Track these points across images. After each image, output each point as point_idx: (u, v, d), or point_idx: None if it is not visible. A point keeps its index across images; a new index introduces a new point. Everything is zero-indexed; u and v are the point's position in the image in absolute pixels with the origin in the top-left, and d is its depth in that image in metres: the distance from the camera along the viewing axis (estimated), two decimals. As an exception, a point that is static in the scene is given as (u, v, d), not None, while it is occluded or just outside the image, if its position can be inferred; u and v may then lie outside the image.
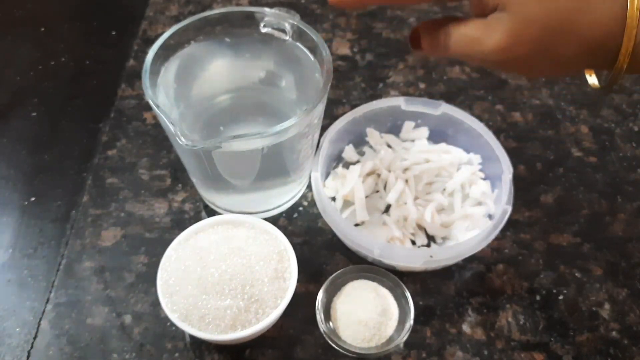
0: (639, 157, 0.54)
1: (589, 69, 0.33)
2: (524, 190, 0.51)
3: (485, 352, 0.43)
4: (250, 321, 0.39)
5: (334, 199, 0.50)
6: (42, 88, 0.61)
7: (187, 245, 0.42)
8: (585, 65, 0.32)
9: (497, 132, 0.50)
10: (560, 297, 0.46)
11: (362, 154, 0.53)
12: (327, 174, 0.52)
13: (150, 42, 0.57)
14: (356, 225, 0.49)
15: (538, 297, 0.46)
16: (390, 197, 0.48)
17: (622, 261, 0.48)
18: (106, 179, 0.53)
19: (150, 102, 0.39)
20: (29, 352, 0.43)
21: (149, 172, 0.53)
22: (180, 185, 0.52)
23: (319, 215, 0.48)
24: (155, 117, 0.57)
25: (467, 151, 0.52)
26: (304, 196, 0.52)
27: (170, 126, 0.37)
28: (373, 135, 0.53)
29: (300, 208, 0.51)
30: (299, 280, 0.41)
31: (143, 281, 0.46)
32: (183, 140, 0.36)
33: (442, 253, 0.43)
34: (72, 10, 0.70)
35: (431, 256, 0.42)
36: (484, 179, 0.50)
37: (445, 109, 0.50)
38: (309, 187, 0.50)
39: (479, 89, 0.60)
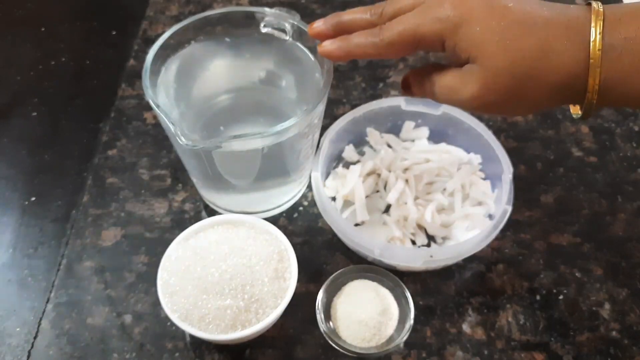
0: (639, 157, 0.54)
1: (563, 105, 0.34)
2: (524, 190, 0.51)
3: (486, 352, 0.43)
4: (250, 321, 0.39)
5: (334, 198, 0.50)
6: (42, 88, 0.61)
7: (187, 245, 0.42)
8: (557, 104, 0.33)
9: (497, 132, 0.50)
10: (561, 297, 0.46)
11: (362, 153, 0.53)
12: (328, 174, 0.52)
13: (150, 42, 0.57)
14: (356, 225, 0.49)
15: (538, 297, 0.46)
16: (391, 197, 0.48)
17: (622, 261, 0.48)
18: (106, 179, 0.53)
19: (151, 102, 0.39)
20: (29, 352, 0.43)
21: (149, 172, 0.53)
22: (180, 185, 0.52)
23: (319, 215, 0.48)
24: (155, 117, 0.57)
25: (467, 151, 0.52)
26: (304, 196, 0.52)
27: (171, 126, 0.37)
28: (373, 135, 0.53)
29: (301, 208, 0.51)
30: (299, 280, 0.41)
31: (143, 281, 0.46)
32: (183, 140, 0.36)
33: (442, 253, 0.43)
34: (72, 10, 0.70)
35: (431, 256, 0.42)
36: (484, 179, 0.50)
37: (445, 108, 0.50)
38: (309, 187, 0.50)
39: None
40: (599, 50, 0.30)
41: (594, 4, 0.31)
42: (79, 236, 0.49)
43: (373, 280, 0.45)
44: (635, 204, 0.51)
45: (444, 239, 0.48)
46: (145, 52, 0.42)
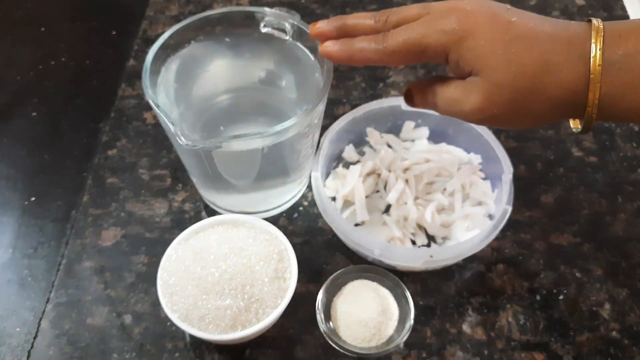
0: (639, 157, 0.54)
1: (563, 119, 0.35)
2: (524, 190, 0.51)
3: (486, 352, 0.43)
4: (250, 321, 0.39)
5: (334, 199, 0.50)
6: (42, 88, 0.61)
7: (187, 245, 0.42)
8: (557, 118, 0.34)
9: (497, 132, 0.50)
10: (561, 297, 0.46)
11: (362, 153, 0.53)
12: (328, 174, 0.52)
13: (150, 42, 0.57)
14: (356, 225, 0.49)
15: (538, 297, 0.46)
16: (391, 197, 0.48)
17: (622, 261, 0.48)
18: (106, 179, 0.53)
19: (151, 102, 0.39)
20: (29, 352, 0.43)
21: (149, 172, 0.53)
22: (180, 185, 0.52)
23: (319, 215, 0.48)
24: (155, 117, 0.57)
25: (467, 151, 0.52)
26: (304, 196, 0.52)
27: (171, 126, 0.37)
28: (373, 135, 0.53)
29: (301, 208, 0.51)
30: (299, 280, 0.41)
31: (143, 281, 0.46)
32: (183, 140, 0.36)
33: (442, 253, 0.43)
34: (72, 10, 0.70)
35: (431, 256, 0.42)
36: (484, 179, 0.50)
37: (445, 109, 0.50)
38: (309, 187, 0.50)
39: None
40: (599, 65, 0.30)
41: (594, 21, 0.31)
42: (79, 236, 0.49)
43: (373, 280, 0.45)
44: (635, 204, 0.51)
45: (444, 239, 0.48)
46: (145, 52, 0.42)
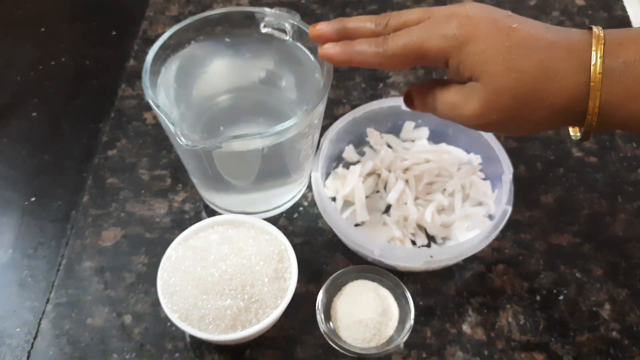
0: (639, 157, 0.54)
1: (562, 126, 0.35)
2: (524, 190, 0.51)
3: (486, 352, 0.43)
4: (250, 321, 0.39)
5: (334, 199, 0.50)
6: (42, 88, 0.61)
7: (187, 246, 0.42)
8: (557, 125, 0.34)
9: (497, 132, 0.50)
10: (561, 297, 0.46)
11: (362, 154, 0.53)
12: (328, 174, 0.52)
13: (150, 42, 0.57)
14: (356, 225, 0.49)
15: (538, 297, 0.46)
16: (391, 197, 0.48)
17: (622, 261, 0.48)
18: (106, 179, 0.53)
19: (151, 102, 0.39)
20: (29, 352, 0.43)
21: (149, 172, 0.53)
22: (180, 185, 0.52)
23: (319, 215, 0.48)
24: (155, 117, 0.57)
25: (467, 151, 0.52)
26: (304, 196, 0.52)
27: (171, 126, 0.37)
28: (373, 135, 0.53)
29: (301, 208, 0.51)
30: (299, 280, 0.41)
31: (143, 281, 0.46)
32: (183, 140, 0.36)
33: (442, 253, 0.43)
34: (72, 10, 0.70)
35: (431, 256, 0.42)
36: (484, 179, 0.50)
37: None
38: (309, 187, 0.50)
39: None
40: (599, 73, 0.30)
41: (595, 29, 0.31)
42: (79, 236, 0.49)
43: (373, 280, 0.45)
44: (635, 204, 0.51)
45: (444, 239, 0.48)
46: (145, 52, 0.42)
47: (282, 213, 0.50)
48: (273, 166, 0.45)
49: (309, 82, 0.45)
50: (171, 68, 0.45)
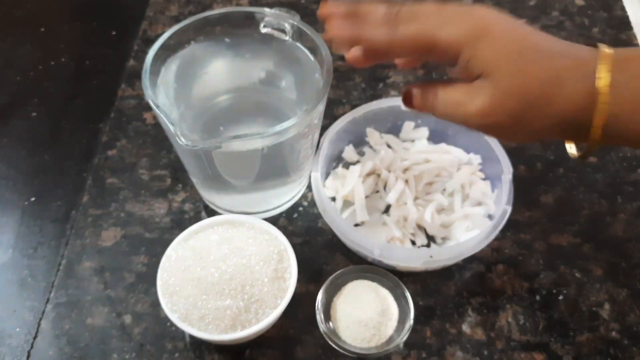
0: (639, 157, 0.54)
1: (565, 139, 0.34)
2: (524, 190, 0.51)
3: (486, 352, 0.43)
4: (250, 321, 0.39)
5: (334, 199, 0.50)
6: (42, 88, 0.61)
7: (187, 246, 0.42)
8: (559, 136, 0.33)
9: (497, 132, 0.50)
10: (561, 297, 0.46)
11: (362, 154, 0.53)
12: (327, 174, 0.52)
13: (150, 42, 0.57)
14: (356, 225, 0.49)
15: (538, 297, 0.46)
16: (390, 197, 0.48)
17: (622, 261, 0.48)
18: (106, 179, 0.53)
19: (150, 102, 0.39)
20: (29, 352, 0.43)
21: (149, 172, 0.53)
22: (180, 185, 0.52)
23: (319, 216, 0.48)
24: (155, 117, 0.57)
25: (467, 151, 0.52)
26: (304, 196, 0.52)
27: (170, 126, 0.37)
28: (373, 135, 0.53)
29: (300, 208, 0.51)
30: (299, 280, 0.41)
31: (143, 281, 0.46)
32: (183, 140, 0.36)
33: (442, 253, 0.43)
34: (72, 10, 0.70)
35: (431, 256, 0.42)
36: (484, 179, 0.50)
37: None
38: (309, 187, 0.50)
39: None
40: (607, 86, 0.30)
41: (602, 46, 0.31)
42: (79, 236, 0.49)
43: (373, 280, 0.45)
44: (635, 204, 0.51)
45: (444, 239, 0.48)
46: (145, 52, 0.42)
47: (282, 213, 0.50)
48: (273, 166, 0.45)
49: (309, 82, 0.45)
50: (171, 68, 0.45)
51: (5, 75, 0.62)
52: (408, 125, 0.53)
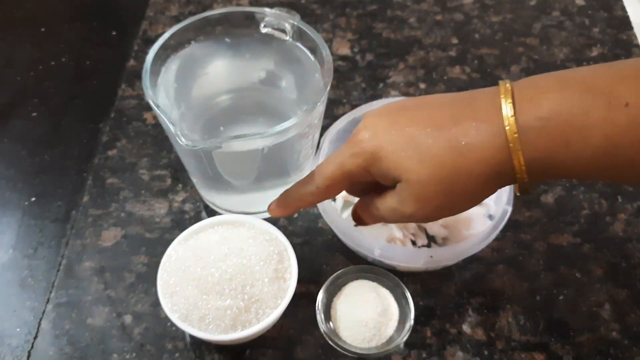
0: (639, 157, 0.54)
1: (504, 186, 0.34)
2: (524, 190, 0.51)
3: (486, 353, 0.43)
4: (250, 321, 0.39)
5: (334, 199, 0.50)
6: (42, 88, 0.61)
7: (187, 246, 0.42)
8: (496, 189, 0.33)
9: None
10: (561, 298, 0.46)
11: (362, 154, 0.53)
12: (327, 174, 0.51)
13: (150, 42, 0.57)
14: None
15: (538, 298, 0.46)
16: (391, 197, 0.48)
17: (622, 261, 0.48)
18: (106, 179, 0.53)
19: (151, 102, 0.39)
20: (29, 352, 0.43)
21: (149, 172, 0.53)
22: (180, 185, 0.52)
23: (319, 216, 0.48)
24: (155, 117, 0.57)
25: (467, 151, 0.51)
26: (304, 196, 0.52)
27: (171, 126, 0.37)
28: (373, 135, 0.53)
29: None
30: (299, 281, 0.41)
31: (143, 281, 0.46)
32: (183, 140, 0.36)
33: (442, 253, 0.43)
34: (72, 10, 0.70)
35: (431, 256, 0.42)
36: (484, 179, 0.50)
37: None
38: (309, 187, 0.50)
39: (480, 88, 0.60)
40: (515, 134, 0.29)
41: (502, 86, 0.31)
42: (79, 236, 0.49)
43: (373, 280, 0.45)
44: (635, 204, 0.51)
45: (444, 239, 0.48)
46: (145, 52, 0.42)
47: (282, 213, 0.50)
48: (273, 166, 0.45)
49: (309, 82, 0.45)
50: (171, 68, 0.45)
51: (5, 75, 0.62)
52: (408, 125, 0.53)
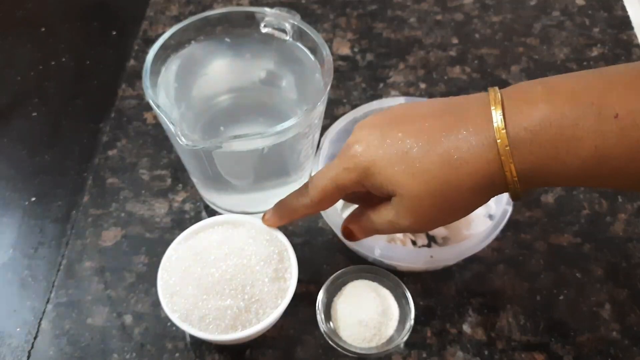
0: None
1: (496, 195, 0.34)
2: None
3: (486, 353, 0.43)
4: (250, 321, 0.39)
5: (334, 199, 0.50)
6: (42, 88, 0.61)
7: (187, 246, 0.42)
8: (489, 199, 0.33)
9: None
10: (561, 298, 0.46)
11: (362, 154, 0.53)
12: (328, 174, 0.51)
13: (150, 42, 0.57)
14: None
15: (538, 298, 0.46)
16: (391, 197, 0.48)
17: (623, 261, 0.48)
18: (106, 179, 0.53)
19: (151, 102, 0.39)
20: (29, 352, 0.43)
21: (149, 172, 0.53)
22: (180, 185, 0.52)
23: (319, 215, 0.48)
24: (155, 117, 0.57)
25: (468, 151, 0.51)
26: (304, 196, 0.52)
27: (171, 126, 0.37)
28: (373, 135, 0.53)
29: (301, 208, 0.51)
30: (299, 281, 0.41)
31: (143, 281, 0.46)
32: (183, 140, 0.36)
33: (442, 253, 0.43)
34: (72, 10, 0.70)
35: (432, 256, 0.42)
36: (485, 179, 0.50)
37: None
38: (310, 187, 0.50)
39: (480, 88, 0.60)
40: (507, 147, 0.29)
41: (491, 94, 0.31)
42: (79, 236, 0.49)
43: (373, 280, 0.45)
44: (635, 204, 0.51)
45: (444, 239, 0.48)
46: (145, 52, 0.42)
47: (282, 213, 0.50)
48: (273, 166, 0.45)
49: (309, 82, 0.45)
50: (171, 68, 0.45)
51: (5, 75, 0.62)
52: (408, 125, 0.53)
